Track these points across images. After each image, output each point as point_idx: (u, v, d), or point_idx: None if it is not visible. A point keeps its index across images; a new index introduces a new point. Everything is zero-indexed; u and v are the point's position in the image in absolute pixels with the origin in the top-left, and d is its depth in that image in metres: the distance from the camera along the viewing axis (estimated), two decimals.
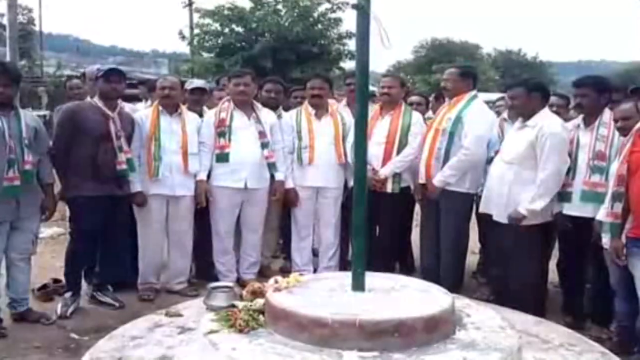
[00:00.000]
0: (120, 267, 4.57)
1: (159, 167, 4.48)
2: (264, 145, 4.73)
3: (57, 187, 4.24)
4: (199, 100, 4.99)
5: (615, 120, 3.69)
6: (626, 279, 3.45)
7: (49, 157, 4.08)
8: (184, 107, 4.72)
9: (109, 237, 4.33)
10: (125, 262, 4.65)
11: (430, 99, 6.30)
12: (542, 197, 3.90)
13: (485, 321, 2.88)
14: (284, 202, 5.06)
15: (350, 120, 4.87)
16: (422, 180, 4.61)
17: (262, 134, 4.73)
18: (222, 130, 4.68)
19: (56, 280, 4.58)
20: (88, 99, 4.46)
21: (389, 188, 4.72)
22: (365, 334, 2.54)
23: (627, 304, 3.54)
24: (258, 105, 4.88)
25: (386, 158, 4.72)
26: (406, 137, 4.73)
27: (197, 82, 5.38)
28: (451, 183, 4.41)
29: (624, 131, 3.60)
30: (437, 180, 4.43)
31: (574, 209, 3.91)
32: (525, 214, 3.93)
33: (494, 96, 7.42)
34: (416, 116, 4.85)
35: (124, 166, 4.20)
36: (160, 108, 4.57)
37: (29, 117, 4.04)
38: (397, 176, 4.73)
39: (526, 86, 4.13)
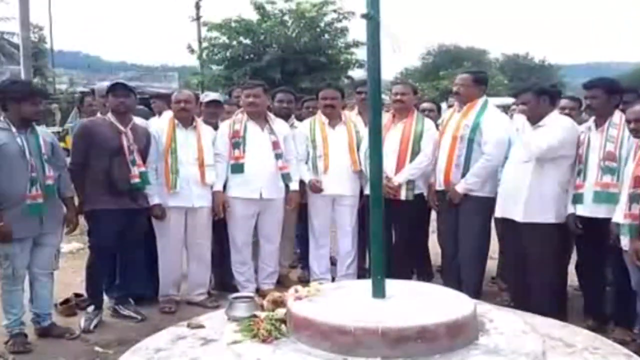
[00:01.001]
0: (140, 280, 4.61)
1: (176, 180, 4.53)
2: (277, 156, 4.76)
3: (76, 201, 4.30)
4: (214, 112, 5.05)
5: (629, 122, 3.69)
6: None
7: (68, 171, 4.15)
8: (199, 120, 4.77)
9: (127, 251, 4.38)
10: (144, 276, 4.68)
11: (443, 106, 6.31)
12: (534, 146, 3.95)
13: (508, 326, 2.88)
14: (299, 211, 5.10)
15: (363, 128, 4.90)
16: (439, 187, 4.61)
17: (275, 145, 4.76)
18: (237, 141, 4.72)
19: (78, 295, 4.62)
20: (98, 114, 4.57)
21: (402, 195, 4.72)
22: (388, 341, 2.55)
23: None
24: (271, 116, 4.93)
25: (399, 165, 4.73)
26: (419, 144, 4.73)
27: (213, 95, 5.45)
28: (476, 189, 4.43)
29: (637, 133, 3.60)
30: (461, 187, 4.44)
31: (587, 210, 3.91)
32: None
33: (509, 100, 7.39)
34: (429, 123, 4.86)
35: (137, 179, 4.25)
36: (176, 121, 4.63)
37: (45, 133, 4.14)
38: (410, 183, 4.73)
39: (534, 91, 4.14)
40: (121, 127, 4.25)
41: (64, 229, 4.13)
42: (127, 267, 4.44)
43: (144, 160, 4.37)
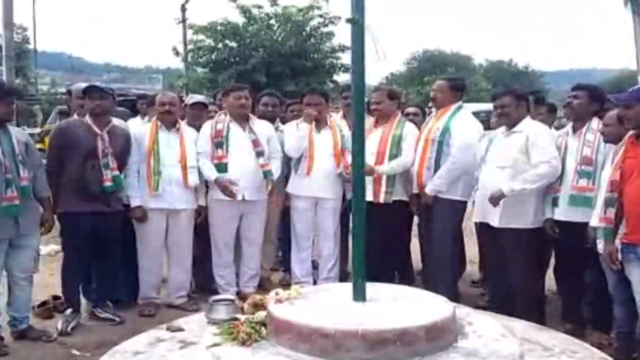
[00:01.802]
0: (118, 284, 4.57)
1: (158, 182, 4.50)
2: (258, 154, 4.73)
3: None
4: (199, 114, 5.03)
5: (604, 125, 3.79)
6: (623, 284, 3.48)
7: (45, 173, 4.11)
8: (182, 122, 4.75)
9: (101, 254, 4.34)
10: (122, 278, 4.64)
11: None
12: (529, 184, 3.95)
13: (487, 329, 2.91)
14: (282, 214, 5.10)
15: (347, 132, 4.91)
16: (415, 190, 4.66)
17: (256, 143, 4.74)
18: (219, 141, 4.69)
19: (56, 297, 4.57)
20: (75, 116, 4.54)
21: (381, 199, 4.70)
22: (368, 343, 2.56)
23: (625, 309, 3.57)
24: (253, 117, 4.91)
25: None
26: (397, 147, 4.72)
27: (198, 97, 5.43)
28: (442, 191, 4.48)
29: (607, 137, 3.72)
30: (429, 189, 4.51)
31: (563, 213, 3.97)
32: (506, 194, 3.98)
33: (490, 106, 7.45)
34: (409, 127, 4.82)
35: (109, 183, 4.21)
36: (159, 123, 4.61)
37: (19, 132, 4.09)
38: (389, 187, 4.72)
39: (515, 95, 4.21)
40: (97, 130, 4.21)
41: (40, 230, 4.08)
42: (102, 269, 4.40)
43: (123, 162, 4.35)
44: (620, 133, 3.58)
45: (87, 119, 4.27)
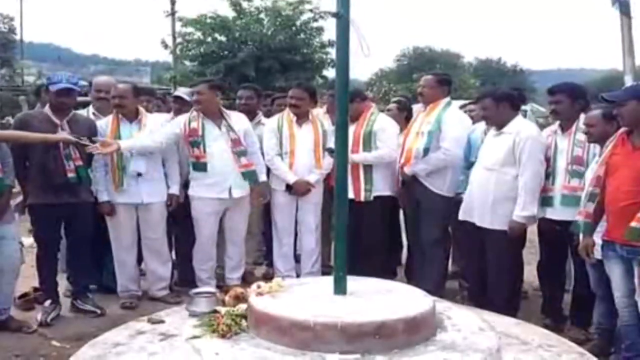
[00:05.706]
0: (99, 272, 4.60)
1: (123, 177, 4.43)
2: (240, 154, 4.63)
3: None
4: (180, 108, 4.99)
5: (585, 126, 3.78)
6: (603, 281, 3.52)
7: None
8: (144, 113, 4.66)
9: (74, 245, 4.32)
10: (105, 267, 4.66)
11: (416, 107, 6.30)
12: (532, 201, 3.97)
13: (466, 323, 2.94)
14: (265, 208, 5.09)
15: (329, 127, 4.91)
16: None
17: (236, 142, 4.63)
18: (195, 140, 4.57)
19: (37, 289, 4.53)
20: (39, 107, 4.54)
21: (362, 197, 4.71)
22: (347, 336, 2.58)
23: (606, 305, 3.61)
24: (227, 112, 4.77)
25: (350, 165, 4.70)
26: (369, 143, 4.75)
27: (180, 91, 5.38)
28: (421, 175, 4.53)
29: (590, 137, 3.71)
30: (409, 169, 4.57)
31: (556, 213, 3.98)
32: (523, 222, 4.00)
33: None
34: (380, 122, 4.82)
35: (73, 174, 4.14)
36: (120, 116, 4.52)
37: None
38: (368, 184, 4.73)
39: (494, 97, 4.18)
40: (56, 120, 4.15)
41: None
42: (77, 261, 4.38)
43: (86, 154, 4.23)
44: (606, 132, 3.58)
45: (47, 110, 4.20)
